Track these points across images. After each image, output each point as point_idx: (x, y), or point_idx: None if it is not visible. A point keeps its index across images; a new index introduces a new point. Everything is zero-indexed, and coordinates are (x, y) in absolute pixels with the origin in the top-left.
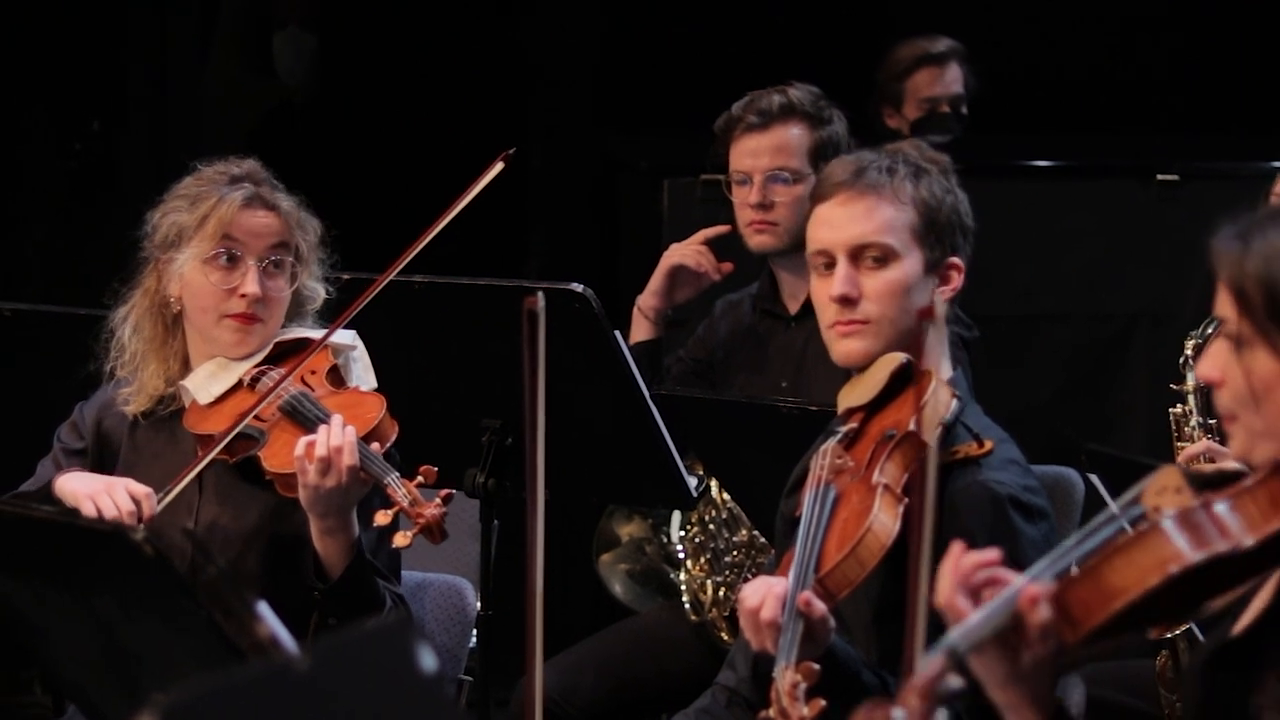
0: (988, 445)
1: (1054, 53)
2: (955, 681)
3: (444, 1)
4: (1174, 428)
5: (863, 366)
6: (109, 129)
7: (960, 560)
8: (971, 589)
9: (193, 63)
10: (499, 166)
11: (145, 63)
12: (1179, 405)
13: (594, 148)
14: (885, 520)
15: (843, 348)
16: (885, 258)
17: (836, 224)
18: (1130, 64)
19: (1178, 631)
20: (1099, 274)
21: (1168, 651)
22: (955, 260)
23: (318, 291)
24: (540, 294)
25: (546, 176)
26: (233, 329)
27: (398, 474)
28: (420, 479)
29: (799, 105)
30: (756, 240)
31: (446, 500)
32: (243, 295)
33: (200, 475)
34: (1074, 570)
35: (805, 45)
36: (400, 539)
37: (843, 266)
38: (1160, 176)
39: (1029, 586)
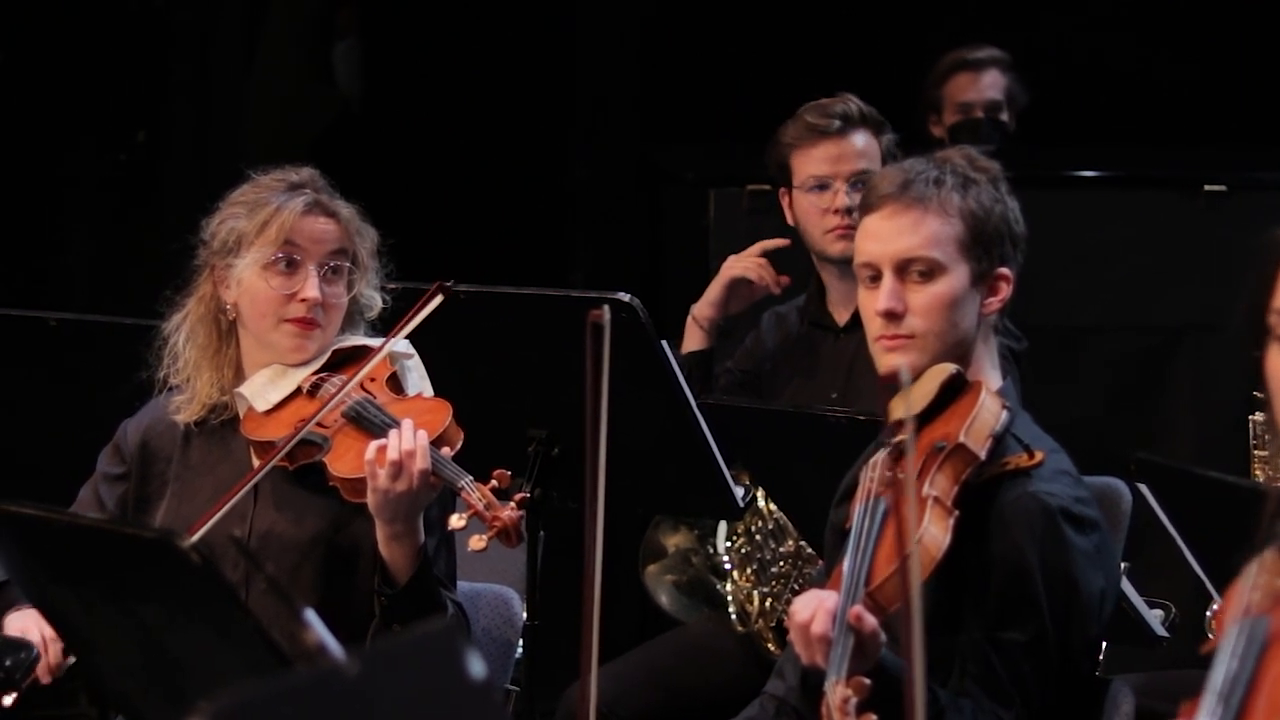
0: (1038, 456)
1: (1101, 63)
2: None
3: (491, 15)
4: (1252, 435)
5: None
6: (153, 139)
7: None
8: None
9: (236, 73)
10: (438, 299)
11: (189, 74)
12: (1258, 413)
13: (639, 159)
14: (935, 533)
15: (888, 362)
16: (931, 272)
17: (882, 237)
18: (1177, 74)
19: None
20: (1146, 285)
21: None
22: (1004, 271)
23: (374, 300)
24: (606, 307)
25: (592, 187)
26: (291, 334)
27: (471, 478)
28: (494, 483)
29: (866, 113)
30: (839, 246)
31: (522, 504)
32: (303, 300)
33: (256, 483)
34: None
35: (850, 57)
36: (475, 543)
37: (888, 281)
38: (1207, 187)
39: None
